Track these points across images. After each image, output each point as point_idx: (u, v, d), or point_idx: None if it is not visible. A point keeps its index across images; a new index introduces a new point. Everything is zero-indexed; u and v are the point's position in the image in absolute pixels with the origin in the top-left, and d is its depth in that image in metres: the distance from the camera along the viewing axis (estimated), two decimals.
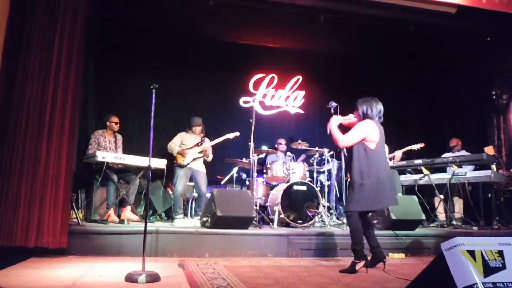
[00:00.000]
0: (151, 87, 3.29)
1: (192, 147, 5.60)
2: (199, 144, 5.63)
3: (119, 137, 5.51)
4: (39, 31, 3.83)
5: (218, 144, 5.77)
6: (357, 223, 3.58)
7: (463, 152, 6.42)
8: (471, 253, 1.94)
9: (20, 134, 3.64)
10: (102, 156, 4.66)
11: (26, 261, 3.53)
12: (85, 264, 3.51)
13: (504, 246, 2.00)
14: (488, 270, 1.90)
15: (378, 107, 3.70)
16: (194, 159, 5.57)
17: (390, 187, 3.62)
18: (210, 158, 5.74)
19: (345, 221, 5.24)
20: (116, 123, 5.40)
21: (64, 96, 3.82)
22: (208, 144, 5.67)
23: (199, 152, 5.61)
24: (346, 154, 5.45)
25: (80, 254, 3.89)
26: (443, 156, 6.47)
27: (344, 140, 3.63)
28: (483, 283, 1.85)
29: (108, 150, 5.22)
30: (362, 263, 3.49)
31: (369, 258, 3.60)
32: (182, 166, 5.50)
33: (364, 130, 3.60)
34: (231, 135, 5.74)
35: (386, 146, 6.22)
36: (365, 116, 3.68)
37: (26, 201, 3.55)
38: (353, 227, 3.59)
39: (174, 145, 5.62)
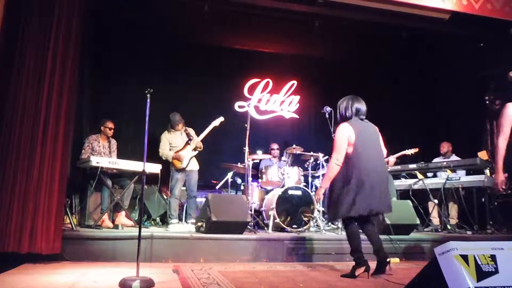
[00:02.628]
0: (146, 91, 3.29)
1: (184, 147, 5.57)
2: (189, 142, 5.60)
3: (114, 142, 5.50)
4: (34, 33, 3.81)
5: (214, 148, 5.77)
6: (351, 230, 3.52)
7: (454, 157, 6.46)
8: (464, 257, 1.95)
9: (14, 138, 3.62)
10: (97, 161, 4.64)
11: (19, 267, 3.49)
12: (79, 270, 3.48)
13: (497, 251, 2.02)
14: (481, 274, 1.91)
15: (356, 105, 3.62)
16: (191, 158, 5.55)
17: (380, 191, 3.47)
18: (202, 147, 5.66)
19: (340, 225, 5.26)
20: (110, 129, 5.38)
21: (59, 100, 3.79)
22: (198, 139, 5.60)
23: (193, 150, 5.58)
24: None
25: (74, 260, 3.85)
26: (434, 161, 6.51)
27: (337, 159, 3.48)
28: None
29: (102, 155, 5.20)
30: (362, 269, 3.42)
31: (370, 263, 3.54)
32: (180, 170, 5.48)
33: (341, 138, 3.50)
34: (216, 122, 5.67)
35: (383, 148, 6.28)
36: (342, 119, 3.63)
37: (20, 206, 3.52)
38: (348, 235, 3.55)
39: (166, 151, 5.57)
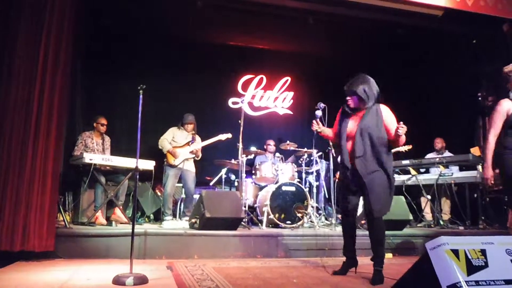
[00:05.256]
0: (139, 88, 3.28)
1: (183, 146, 5.57)
2: (190, 143, 5.60)
3: (107, 138, 5.47)
4: (26, 30, 3.78)
5: (208, 145, 5.75)
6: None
7: (446, 153, 6.51)
8: (455, 252, 1.97)
9: (5, 135, 3.59)
10: (90, 158, 4.62)
11: (12, 265, 3.48)
12: (72, 267, 3.48)
13: (487, 245, 2.04)
14: (471, 268, 1.93)
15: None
16: (185, 159, 5.55)
17: None
18: (199, 157, 5.73)
19: (333, 221, 5.29)
20: (103, 125, 5.35)
21: (51, 97, 3.77)
22: (199, 145, 5.64)
23: (190, 152, 5.58)
24: (334, 155, 5.50)
25: (67, 257, 3.85)
26: (426, 156, 6.55)
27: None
28: (466, 282, 1.88)
29: (96, 152, 5.18)
30: None
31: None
32: (172, 166, 5.47)
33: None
34: (223, 137, 5.73)
35: None
36: (375, 99, 3.50)
37: (12, 204, 3.50)
38: (383, 229, 3.37)
39: (166, 141, 5.56)
